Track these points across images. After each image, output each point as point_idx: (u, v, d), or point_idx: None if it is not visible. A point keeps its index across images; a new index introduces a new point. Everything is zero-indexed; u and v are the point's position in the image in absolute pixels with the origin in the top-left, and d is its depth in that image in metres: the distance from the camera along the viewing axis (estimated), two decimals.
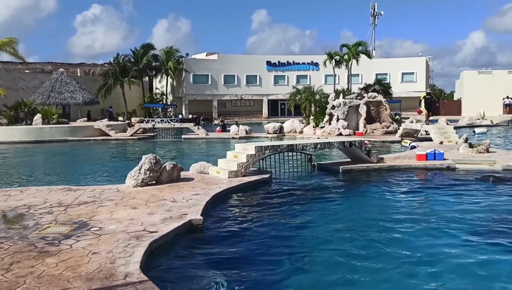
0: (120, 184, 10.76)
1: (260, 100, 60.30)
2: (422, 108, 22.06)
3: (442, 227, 7.49)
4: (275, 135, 27.74)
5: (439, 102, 53.24)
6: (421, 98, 22.11)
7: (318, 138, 22.83)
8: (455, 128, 22.37)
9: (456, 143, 17.47)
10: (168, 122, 38.57)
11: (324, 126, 26.89)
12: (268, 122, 34.68)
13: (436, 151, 14.01)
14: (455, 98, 68.46)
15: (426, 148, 15.90)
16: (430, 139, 20.46)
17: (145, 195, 9.26)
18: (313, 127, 27.83)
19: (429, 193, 10.30)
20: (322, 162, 14.43)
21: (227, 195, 9.83)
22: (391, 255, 6.26)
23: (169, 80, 55.73)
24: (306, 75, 60.46)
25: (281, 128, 29.05)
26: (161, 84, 56.76)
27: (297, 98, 32.52)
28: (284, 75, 60.14)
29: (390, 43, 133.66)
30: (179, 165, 11.13)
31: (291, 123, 29.30)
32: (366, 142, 20.47)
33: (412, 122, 25.92)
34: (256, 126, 40.65)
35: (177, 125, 31.96)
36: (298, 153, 13.47)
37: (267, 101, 60.16)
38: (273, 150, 12.38)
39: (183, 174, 11.42)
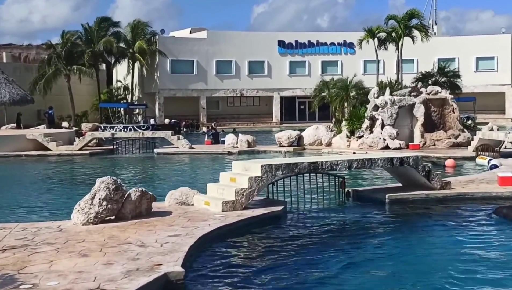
0: (64, 220, 10.72)
1: (268, 97, 60.55)
2: None
3: None
4: (291, 148, 27.72)
5: None
6: None
7: (354, 152, 22.77)
8: None
9: None
10: (135, 130, 38.72)
11: (362, 136, 26.87)
12: (281, 130, 34.68)
13: None
14: None
15: None
16: None
17: (100, 237, 9.25)
18: (347, 136, 27.82)
19: None
20: (360, 189, 14.37)
21: (220, 237, 9.80)
22: None
23: (137, 68, 56.11)
24: (336, 61, 60.73)
25: (300, 138, 29.03)
26: (125, 74, 57.14)
27: (323, 94, 32.61)
28: (304, 61, 60.46)
29: (461, 14, 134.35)
30: (150, 193, 11.13)
31: (314, 131, 29.32)
32: (449, 163, 20.44)
33: (492, 129, 25.87)
34: (263, 135, 40.63)
35: (148, 134, 32.03)
36: (324, 175, 13.46)
37: (280, 98, 60.41)
38: (288, 170, 12.38)
39: (155, 205, 11.41)
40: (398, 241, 10.02)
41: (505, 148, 23.33)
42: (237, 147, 28.14)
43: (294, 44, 60.28)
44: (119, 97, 56.12)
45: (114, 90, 56.72)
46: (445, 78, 40.76)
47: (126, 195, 10.70)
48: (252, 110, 60.76)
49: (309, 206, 12.93)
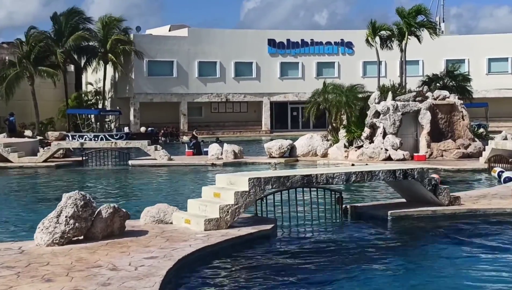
0: (26, 240, 10.69)
1: (257, 102, 60.59)
2: None
3: None
4: (282, 160, 27.74)
5: None
6: None
7: (352, 164, 22.82)
8: None
9: None
10: (107, 139, 38.53)
11: (362, 145, 26.94)
12: (271, 139, 34.67)
13: None
14: None
15: None
16: None
17: (66, 259, 9.22)
18: (345, 146, 27.88)
19: None
20: (359, 205, 14.39)
21: (202, 259, 9.79)
22: None
23: (109, 70, 56.00)
24: (333, 63, 60.89)
25: (292, 148, 29.05)
26: (96, 78, 57.01)
27: (320, 99, 32.64)
28: (297, 63, 60.58)
29: (474, 11, 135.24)
30: (124, 210, 11.11)
31: (308, 141, 29.36)
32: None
33: (505, 138, 26.03)
34: (251, 145, 40.63)
35: (122, 143, 31.92)
36: (319, 190, 13.47)
37: (270, 104, 60.45)
38: (279, 184, 12.39)
39: (130, 224, 11.39)
40: (402, 263, 10.04)
41: None
42: (222, 159, 28.10)
43: (285, 43, 60.37)
44: (89, 102, 55.84)
45: (83, 95, 56.46)
46: (454, 82, 40.98)
47: (96, 213, 10.66)
48: (239, 117, 60.71)
49: (302, 225, 12.93)
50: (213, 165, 27.10)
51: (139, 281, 8.00)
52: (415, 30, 40.62)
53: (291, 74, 60.34)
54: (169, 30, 61.46)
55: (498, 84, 60.03)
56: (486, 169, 22.61)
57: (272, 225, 11.95)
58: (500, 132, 31.10)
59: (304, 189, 13.20)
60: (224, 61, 58.59)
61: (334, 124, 31.50)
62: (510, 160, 22.71)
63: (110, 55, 53.75)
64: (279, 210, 13.17)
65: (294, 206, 13.26)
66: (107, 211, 10.74)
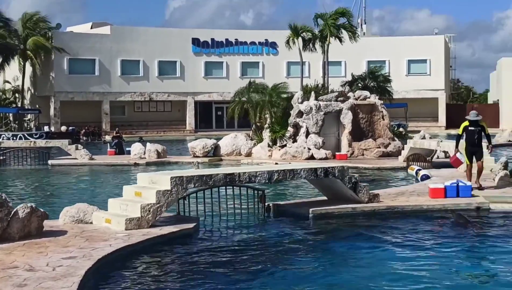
0: None
1: (181, 102, 60.42)
2: (462, 155, 16.06)
3: None
4: (206, 159, 27.77)
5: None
6: (459, 132, 16.29)
7: (275, 163, 23.04)
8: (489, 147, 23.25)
9: (491, 170, 18.27)
10: (26, 138, 37.65)
11: (286, 145, 27.23)
12: (196, 138, 34.64)
13: (460, 183, 14.56)
14: (490, 101, 71.70)
15: (445, 178, 16.48)
16: (451, 165, 21.22)
17: None
18: (269, 146, 28.12)
19: (450, 251, 10.64)
20: (282, 202, 14.54)
21: (122, 259, 9.74)
22: None
23: (29, 67, 54.67)
24: (257, 62, 61.40)
25: (216, 147, 29.15)
26: (15, 75, 55.56)
27: (244, 98, 32.79)
28: (222, 62, 60.79)
29: (396, 14, 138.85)
30: (42, 210, 10.92)
31: (232, 140, 29.49)
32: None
33: (423, 137, 26.83)
34: (175, 144, 40.48)
35: (41, 143, 31.25)
36: (242, 189, 13.56)
37: (194, 103, 60.39)
38: (202, 183, 12.41)
39: (48, 224, 11.20)
40: (321, 260, 10.19)
41: (437, 157, 24.26)
42: (145, 158, 27.91)
43: (210, 42, 60.51)
44: (7, 101, 54.49)
45: (1, 93, 55.02)
46: (375, 82, 41.96)
47: (12, 213, 10.45)
48: (162, 117, 60.42)
49: (225, 223, 12.99)
50: (135, 164, 26.88)
51: (57, 281, 7.88)
52: (336, 32, 41.38)
53: (215, 74, 60.49)
54: (91, 28, 60.57)
55: (417, 85, 61.91)
56: (405, 167, 23.24)
57: (195, 224, 11.96)
58: (418, 131, 32.04)
59: (228, 187, 13.24)
60: (148, 59, 58.19)
61: (258, 124, 31.72)
62: (427, 158, 23.45)
63: (29, 52, 52.56)
64: (202, 209, 13.18)
65: (217, 205, 13.31)
66: (24, 211, 10.54)
